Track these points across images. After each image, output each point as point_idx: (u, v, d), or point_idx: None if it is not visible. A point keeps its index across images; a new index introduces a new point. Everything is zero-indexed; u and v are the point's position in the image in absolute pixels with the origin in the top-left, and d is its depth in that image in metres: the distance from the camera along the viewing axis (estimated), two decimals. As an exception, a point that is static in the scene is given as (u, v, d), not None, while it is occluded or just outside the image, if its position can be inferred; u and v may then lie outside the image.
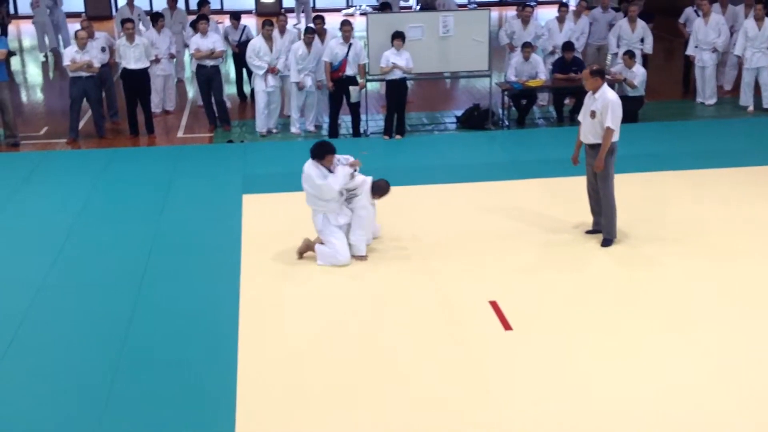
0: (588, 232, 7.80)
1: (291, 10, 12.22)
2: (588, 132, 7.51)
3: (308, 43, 11.21)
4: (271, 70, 11.33)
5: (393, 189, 8.90)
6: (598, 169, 7.41)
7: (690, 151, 10.37)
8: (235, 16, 13.38)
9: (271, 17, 11.99)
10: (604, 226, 7.57)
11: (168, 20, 13.63)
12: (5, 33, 17.43)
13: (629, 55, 11.85)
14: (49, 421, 5.14)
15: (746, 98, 12.56)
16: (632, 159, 10.03)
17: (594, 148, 7.47)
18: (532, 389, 5.34)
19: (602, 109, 7.32)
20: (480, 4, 19.51)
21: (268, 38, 11.28)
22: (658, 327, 6.08)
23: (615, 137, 7.38)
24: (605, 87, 7.45)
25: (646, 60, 13.03)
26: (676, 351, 5.76)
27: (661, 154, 10.25)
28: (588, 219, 7.85)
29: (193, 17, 13.69)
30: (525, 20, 12.74)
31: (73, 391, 5.43)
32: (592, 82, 7.44)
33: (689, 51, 12.96)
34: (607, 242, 7.54)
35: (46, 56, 18.76)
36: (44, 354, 5.91)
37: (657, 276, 6.93)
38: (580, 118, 7.66)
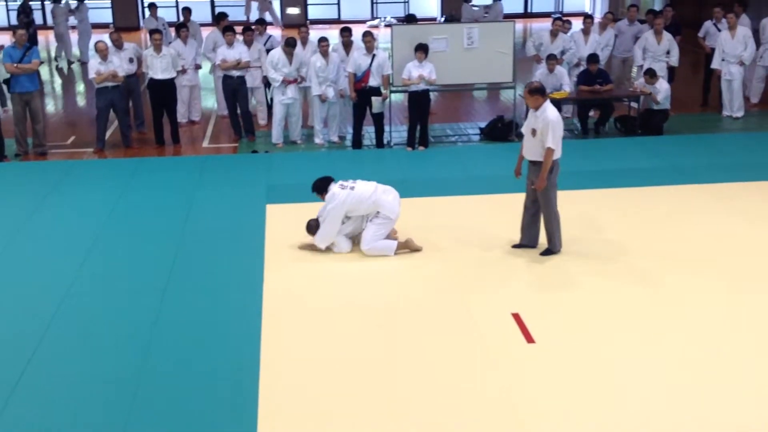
0: (515, 246, 7.77)
1: (302, 25, 12.38)
2: (529, 149, 7.49)
3: (324, 53, 11.26)
4: (295, 81, 11.38)
5: (417, 200, 9.00)
6: (539, 188, 7.39)
7: (718, 164, 10.28)
8: (261, 22, 13.49)
9: (295, 30, 12.08)
10: (548, 240, 7.60)
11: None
12: (35, 43, 17.70)
13: (650, 74, 11.76)
14: (74, 426, 5.17)
15: None
16: (658, 172, 9.98)
17: (535, 164, 7.45)
18: (557, 403, 5.30)
19: (542, 128, 7.26)
20: (505, 16, 19.50)
21: (290, 54, 11.35)
22: (682, 341, 6.02)
23: (557, 155, 7.36)
24: (546, 104, 7.35)
25: (672, 72, 12.96)
26: (705, 366, 5.70)
27: (688, 167, 10.17)
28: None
29: (207, 30, 13.90)
30: (554, 33, 12.73)
31: (97, 396, 5.47)
32: (533, 101, 7.37)
33: (715, 64, 12.87)
34: (548, 252, 7.57)
35: (59, 64, 19.11)
36: (69, 359, 5.96)
37: (681, 292, 6.87)
38: (522, 130, 7.67)
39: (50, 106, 14.99)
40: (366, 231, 7.64)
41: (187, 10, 14.52)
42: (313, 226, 7.74)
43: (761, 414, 5.15)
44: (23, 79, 11.13)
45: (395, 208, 7.66)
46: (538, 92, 7.38)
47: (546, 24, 13.58)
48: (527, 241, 7.75)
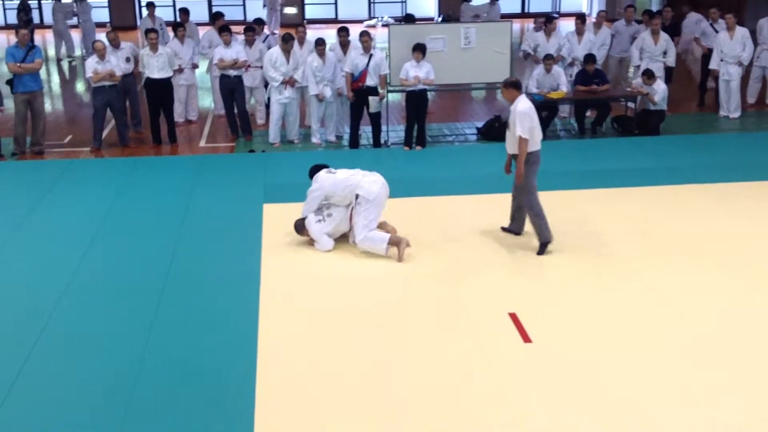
0: (503, 228, 8.09)
1: (299, 25, 12.35)
2: (508, 143, 7.73)
3: (321, 54, 11.26)
4: (289, 82, 11.38)
5: (414, 200, 9.00)
6: (518, 181, 7.58)
7: (715, 165, 10.29)
8: (259, 22, 13.48)
9: (292, 30, 12.08)
10: (537, 235, 7.67)
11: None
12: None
13: (648, 75, 11.79)
14: (71, 426, 5.17)
15: None
16: (655, 172, 9.99)
17: (515, 158, 7.63)
18: (555, 403, 5.30)
19: (513, 121, 7.48)
20: (502, 16, 19.49)
21: (287, 51, 11.36)
22: (679, 340, 6.03)
23: (534, 147, 7.52)
24: (520, 98, 7.54)
25: (670, 73, 12.98)
26: (703, 365, 5.71)
27: (684, 168, 10.18)
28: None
29: (204, 29, 13.89)
30: (548, 32, 12.75)
31: (94, 396, 5.46)
32: (508, 94, 7.63)
33: (713, 65, 12.90)
34: (542, 247, 7.63)
35: (62, 61, 19.08)
36: (66, 358, 5.95)
37: (678, 291, 6.88)
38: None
39: (47, 105, 14.95)
40: (356, 224, 7.68)
41: (183, 12, 14.51)
42: (299, 226, 7.94)
43: (761, 413, 5.16)
44: (26, 78, 11.14)
45: (373, 188, 7.63)
46: (512, 86, 7.60)
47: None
48: (514, 228, 8.00)
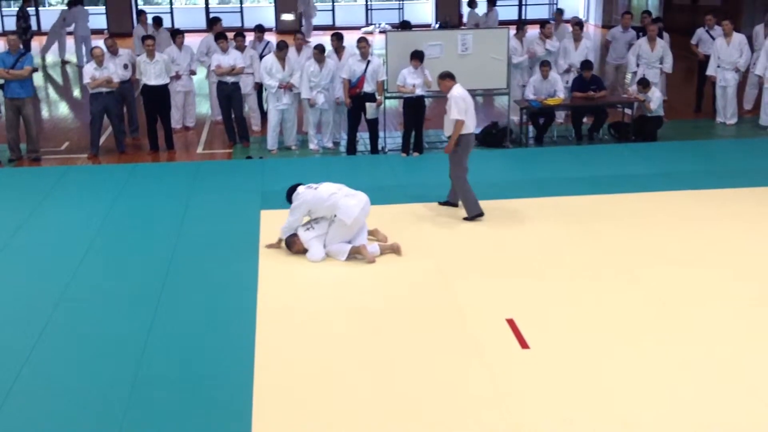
0: (440, 203, 9.06)
1: (297, 32, 12.37)
2: (445, 126, 8.75)
3: (319, 60, 11.27)
4: (286, 86, 11.39)
5: (412, 206, 9.00)
6: (446, 151, 8.69)
7: (711, 171, 10.30)
8: (260, 29, 13.48)
9: (288, 37, 12.08)
10: (465, 209, 8.66)
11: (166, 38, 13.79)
12: (29, 49, 17.69)
13: (642, 84, 11.80)
14: (69, 428, 5.16)
15: (767, 118, 12.50)
16: (652, 178, 10.00)
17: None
18: (553, 409, 5.29)
19: (449, 105, 8.53)
20: (500, 23, 19.53)
21: (282, 58, 11.37)
22: (678, 346, 6.03)
23: (469, 129, 8.55)
24: (455, 86, 8.61)
25: (666, 79, 12.99)
26: (703, 370, 5.70)
27: (681, 174, 10.19)
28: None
29: (202, 36, 13.88)
30: (542, 38, 12.84)
31: (91, 403, 5.45)
32: (442, 85, 8.73)
33: (710, 71, 12.92)
34: (467, 219, 8.63)
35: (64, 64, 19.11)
36: (63, 365, 5.94)
37: (676, 297, 6.88)
38: None
39: (44, 112, 14.96)
40: (326, 235, 7.74)
41: (156, 21, 14.58)
42: (289, 243, 7.89)
43: (760, 419, 5.15)
44: (14, 85, 11.13)
45: (352, 212, 7.60)
46: (447, 77, 8.71)
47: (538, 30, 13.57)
48: (451, 199, 8.96)
